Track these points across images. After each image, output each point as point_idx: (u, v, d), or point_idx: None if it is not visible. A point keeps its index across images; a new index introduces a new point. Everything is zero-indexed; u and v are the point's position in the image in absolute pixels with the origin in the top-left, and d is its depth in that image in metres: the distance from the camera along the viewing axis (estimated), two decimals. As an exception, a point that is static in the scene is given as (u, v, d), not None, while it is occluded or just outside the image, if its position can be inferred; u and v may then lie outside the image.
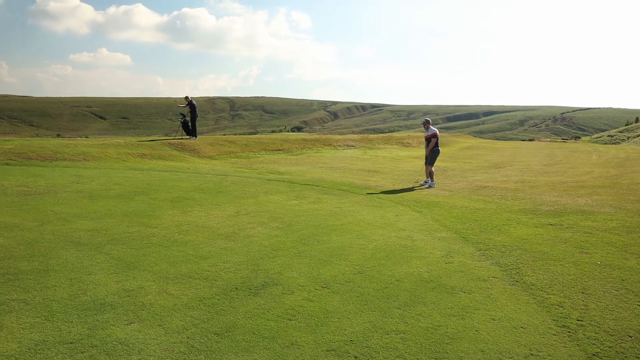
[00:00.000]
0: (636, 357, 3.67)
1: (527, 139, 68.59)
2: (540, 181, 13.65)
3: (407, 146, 28.42)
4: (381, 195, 10.87)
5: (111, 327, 3.92)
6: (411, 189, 11.96)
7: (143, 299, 4.48)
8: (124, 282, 4.90)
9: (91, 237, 6.46)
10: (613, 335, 3.96)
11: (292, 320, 4.15)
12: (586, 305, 4.55)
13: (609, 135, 51.26)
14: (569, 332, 4.02)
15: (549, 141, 48.28)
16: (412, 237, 6.99)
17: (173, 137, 22.45)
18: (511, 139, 72.46)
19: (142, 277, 5.04)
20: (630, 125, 59.00)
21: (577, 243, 6.68)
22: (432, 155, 12.78)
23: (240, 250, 6.12)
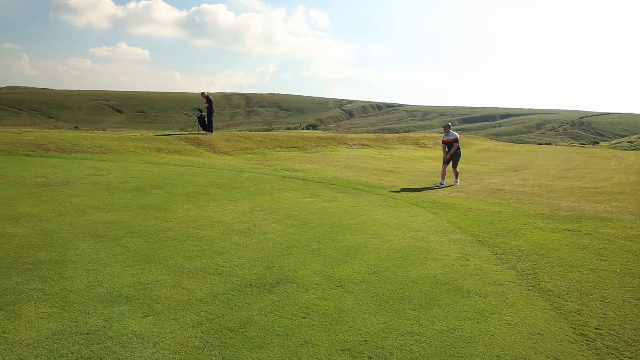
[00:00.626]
0: (657, 368, 3.59)
1: (544, 142, 67.75)
2: (558, 186, 13.46)
3: (422, 147, 28.24)
4: (396, 195, 10.82)
5: (127, 319, 3.95)
6: (426, 190, 11.88)
7: (158, 293, 4.51)
8: (140, 275, 4.94)
9: (108, 229, 6.53)
10: (633, 346, 3.88)
11: (306, 318, 4.14)
12: (605, 314, 4.47)
13: (628, 141, 50.36)
14: (587, 340, 3.95)
15: (567, 145, 47.62)
16: (427, 238, 6.94)
17: (189, 132, 22.62)
18: (528, 143, 71.61)
19: (158, 271, 5.08)
20: (651, 131, 57.89)
21: (596, 250, 6.57)
22: (456, 158, 13.34)
23: (255, 246, 6.14)
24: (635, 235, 7.41)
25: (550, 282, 5.28)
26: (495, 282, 5.22)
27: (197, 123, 21.97)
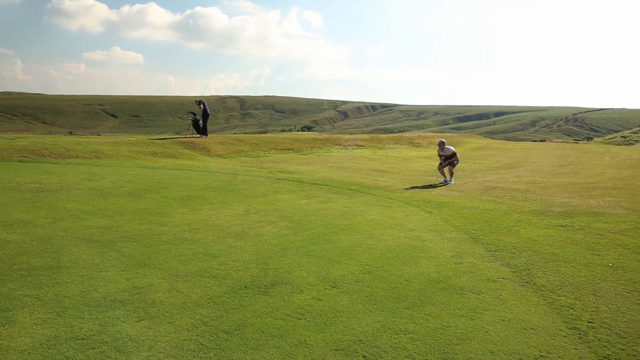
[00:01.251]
0: (648, 360, 3.63)
1: (539, 139, 68.02)
2: (552, 182, 13.54)
3: (417, 146, 28.32)
4: (391, 195, 10.85)
5: (122, 323, 3.96)
6: (421, 189, 11.92)
7: (153, 297, 4.52)
8: (135, 279, 4.95)
9: (102, 234, 6.53)
10: (625, 338, 3.92)
11: (301, 319, 4.16)
12: (597, 307, 4.51)
13: (622, 136, 50.66)
14: (579, 334, 3.99)
15: (561, 142, 47.84)
16: (421, 237, 6.97)
17: (184, 136, 22.59)
18: (522, 140, 71.86)
19: (153, 275, 5.09)
20: (644, 126, 58.21)
21: (589, 245, 6.62)
22: (453, 165, 13.60)
23: (249, 249, 6.15)
24: (627, 229, 7.47)
25: (543, 277, 5.32)
26: (489, 279, 5.26)
27: (191, 126, 21.99)
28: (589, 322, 4.20)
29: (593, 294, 4.84)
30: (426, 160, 19.90)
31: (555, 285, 5.07)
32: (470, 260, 5.89)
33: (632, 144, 43.46)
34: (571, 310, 4.44)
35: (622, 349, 3.75)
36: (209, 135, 22.16)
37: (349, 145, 25.55)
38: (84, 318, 4.03)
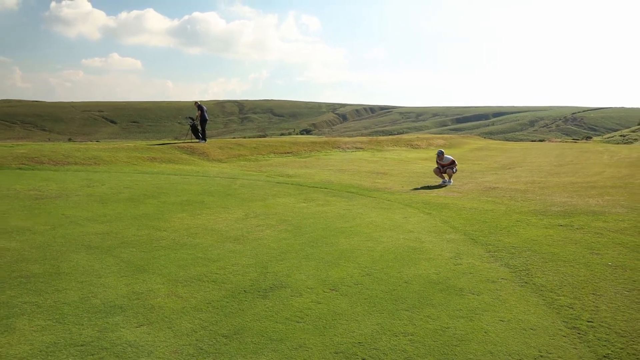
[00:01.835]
0: (648, 359, 3.63)
1: (538, 139, 68.08)
2: (551, 182, 13.54)
3: (416, 148, 28.35)
4: (390, 197, 10.85)
5: (121, 329, 3.96)
6: (420, 191, 11.92)
7: (152, 302, 4.52)
8: (134, 284, 4.94)
9: (101, 241, 6.53)
10: (624, 337, 3.92)
11: (300, 322, 4.16)
12: (597, 307, 4.51)
13: (621, 135, 50.67)
14: (579, 333, 3.99)
15: (560, 141, 47.85)
16: (420, 239, 6.97)
17: (182, 141, 22.60)
18: (521, 140, 71.92)
19: (152, 280, 5.08)
20: (642, 125, 58.23)
21: (588, 244, 6.62)
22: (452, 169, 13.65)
23: (248, 253, 6.15)
24: (626, 227, 7.48)
25: (543, 277, 5.32)
26: (488, 279, 5.26)
27: (189, 131, 21.99)
28: (588, 322, 4.19)
29: (592, 293, 4.84)
30: (425, 162, 19.91)
31: (554, 285, 5.07)
32: (469, 261, 5.89)
33: (631, 142, 43.47)
34: (571, 310, 4.44)
35: (621, 348, 3.75)
36: (207, 140, 22.17)
37: (348, 148, 25.57)
38: (83, 324, 4.02)
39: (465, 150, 28.54)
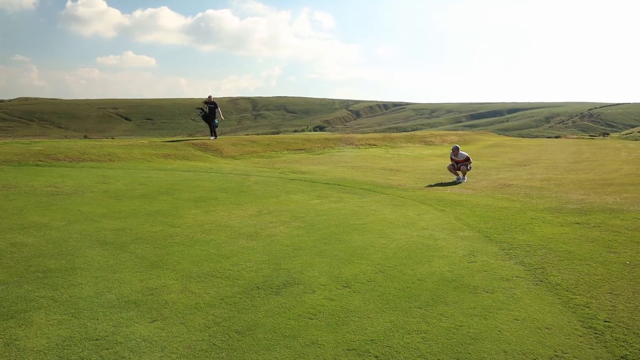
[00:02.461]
0: (666, 359, 3.56)
1: (553, 136, 67.23)
2: (567, 179, 13.36)
3: (430, 144, 28.17)
4: (403, 194, 10.80)
5: (135, 324, 3.99)
6: (434, 188, 11.85)
7: (166, 297, 4.55)
8: (148, 280, 4.99)
9: (116, 236, 6.60)
10: (642, 337, 3.85)
11: (313, 319, 4.15)
12: (614, 306, 4.43)
13: (639, 131, 49.78)
14: (595, 333, 3.93)
15: (576, 138, 47.21)
16: (434, 236, 6.93)
17: (197, 138, 22.65)
18: (536, 137, 71.04)
19: (166, 276, 5.12)
20: (661, 121, 57.14)
21: (605, 242, 6.52)
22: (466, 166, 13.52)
23: (262, 249, 6.17)
24: (645, 226, 7.34)
25: (558, 276, 5.25)
26: (502, 277, 5.20)
27: (207, 122, 21.44)
28: (605, 321, 4.13)
29: (609, 293, 4.76)
30: (439, 159, 19.78)
31: (570, 284, 5.00)
32: (483, 259, 5.83)
33: (649, 139, 42.68)
34: (587, 309, 4.38)
35: None
36: (219, 136, 22.20)
37: (361, 145, 25.50)
38: (98, 319, 4.07)
39: (479, 147, 28.28)
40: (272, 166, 16.45)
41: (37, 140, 22.44)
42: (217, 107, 20.95)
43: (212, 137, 21.38)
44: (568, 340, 3.82)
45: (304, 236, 6.83)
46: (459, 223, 7.77)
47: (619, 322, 4.12)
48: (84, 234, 6.69)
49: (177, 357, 3.51)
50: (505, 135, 58.29)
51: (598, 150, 25.17)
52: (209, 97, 21.07)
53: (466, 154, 13.54)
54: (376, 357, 3.56)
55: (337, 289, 4.85)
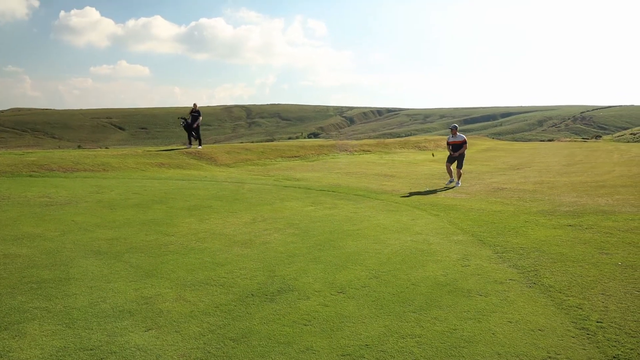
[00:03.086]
0: (658, 359, 3.59)
1: (547, 139, 67.65)
2: (560, 182, 13.45)
3: (423, 150, 28.27)
4: (397, 199, 10.84)
5: (130, 333, 3.99)
6: (428, 193, 11.90)
7: (161, 306, 4.55)
8: (142, 289, 4.98)
9: (110, 246, 6.58)
10: (635, 337, 3.88)
11: (308, 325, 4.16)
12: (606, 307, 4.47)
13: (631, 134, 50.18)
14: (588, 334, 3.96)
15: (569, 141, 47.51)
16: (428, 240, 6.96)
17: (191, 147, 22.56)
18: (530, 140, 71.47)
19: (160, 285, 5.12)
20: (653, 123, 57.60)
21: (597, 244, 6.57)
22: (461, 159, 13.41)
23: (256, 256, 6.17)
24: (637, 227, 7.41)
25: (551, 278, 5.28)
26: (496, 280, 5.23)
27: (188, 131, 21.10)
28: (597, 322, 4.16)
29: (602, 294, 4.80)
30: (433, 164, 19.85)
31: (563, 286, 5.04)
32: (477, 263, 5.87)
33: (641, 141, 42.98)
34: (579, 311, 4.41)
35: (632, 349, 3.71)
36: (203, 145, 21.57)
37: (355, 151, 25.56)
38: (92, 329, 4.06)
39: (473, 151, 28.41)
40: (266, 174, 16.46)
41: (30, 150, 22.35)
42: (200, 116, 20.50)
43: (195, 146, 20.71)
44: (561, 341, 3.85)
45: (299, 243, 6.84)
46: (453, 227, 7.81)
47: (611, 322, 4.15)
48: (78, 244, 6.67)
49: (172, 366, 3.51)
50: (499, 139, 58.58)
51: (590, 153, 25.34)
52: (194, 105, 20.68)
53: (464, 137, 13.51)
54: (371, 361, 3.57)
55: (331, 294, 4.86)
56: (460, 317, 4.29)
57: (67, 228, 7.58)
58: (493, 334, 3.98)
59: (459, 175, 13.37)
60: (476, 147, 31.40)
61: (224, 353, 3.69)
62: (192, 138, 20.97)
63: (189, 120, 20.56)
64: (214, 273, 5.50)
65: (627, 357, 3.61)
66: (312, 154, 23.23)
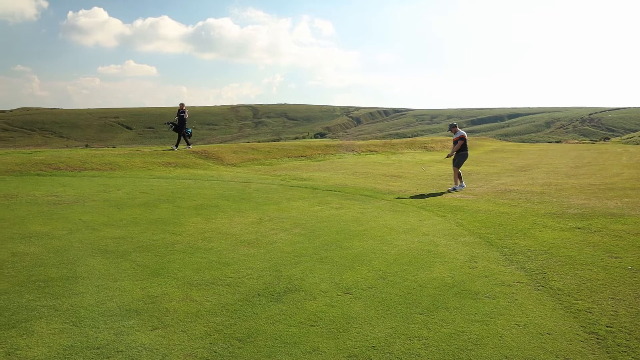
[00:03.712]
0: (669, 364, 3.54)
1: (554, 141, 67.24)
2: (568, 184, 13.35)
3: (430, 150, 28.19)
4: (404, 200, 10.80)
5: (136, 332, 3.99)
6: (435, 194, 11.85)
7: (167, 305, 4.55)
8: (149, 288, 4.99)
9: (117, 245, 6.60)
10: (644, 342, 3.83)
11: (314, 326, 4.15)
12: (616, 311, 4.42)
13: (640, 136, 49.72)
14: (597, 338, 3.92)
15: (577, 143, 47.19)
16: (435, 242, 6.93)
17: (198, 146, 22.60)
18: (537, 142, 71.07)
19: (167, 284, 5.13)
20: (662, 125, 57.08)
21: (606, 247, 6.51)
22: (459, 159, 12.87)
23: (262, 256, 6.17)
24: (646, 230, 7.32)
25: (560, 281, 5.24)
26: (503, 283, 5.20)
27: (178, 134, 20.81)
28: (607, 327, 4.12)
29: (611, 298, 4.75)
30: (440, 165, 19.78)
31: (572, 289, 4.99)
32: (484, 265, 5.83)
33: (650, 143, 42.60)
34: (589, 315, 4.37)
35: (641, 353, 3.67)
36: (191, 146, 20.87)
37: (362, 151, 25.53)
38: (99, 327, 4.07)
39: (480, 152, 28.28)
40: (273, 173, 16.47)
41: (38, 150, 22.49)
42: (185, 114, 19.91)
43: (174, 148, 20.28)
44: (570, 345, 3.81)
45: (305, 243, 6.83)
46: (460, 229, 7.77)
47: (621, 327, 4.10)
48: (85, 242, 6.70)
49: (178, 365, 3.50)
50: (506, 140, 58.31)
51: (599, 155, 25.15)
52: (181, 104, 20.17)
53: (463, 132, 12.91)
54: (377, 363, 3.55)
55: (338, 295, 4.85)
56: (467, 320, 4.26)
57: (75, 227, 7.61)
58: (501, 337, 3.94)
59: (459, 175, 12.75)
60: (483, 148, 31.27)
61: (230, 353, 3.68)
62: (186, 139, 20.49)
63: (177, 122, 20.04)
64: (220, 273, 5.50)
65: (637, 361, 3.57)
66: (319, 153, 23.22)
